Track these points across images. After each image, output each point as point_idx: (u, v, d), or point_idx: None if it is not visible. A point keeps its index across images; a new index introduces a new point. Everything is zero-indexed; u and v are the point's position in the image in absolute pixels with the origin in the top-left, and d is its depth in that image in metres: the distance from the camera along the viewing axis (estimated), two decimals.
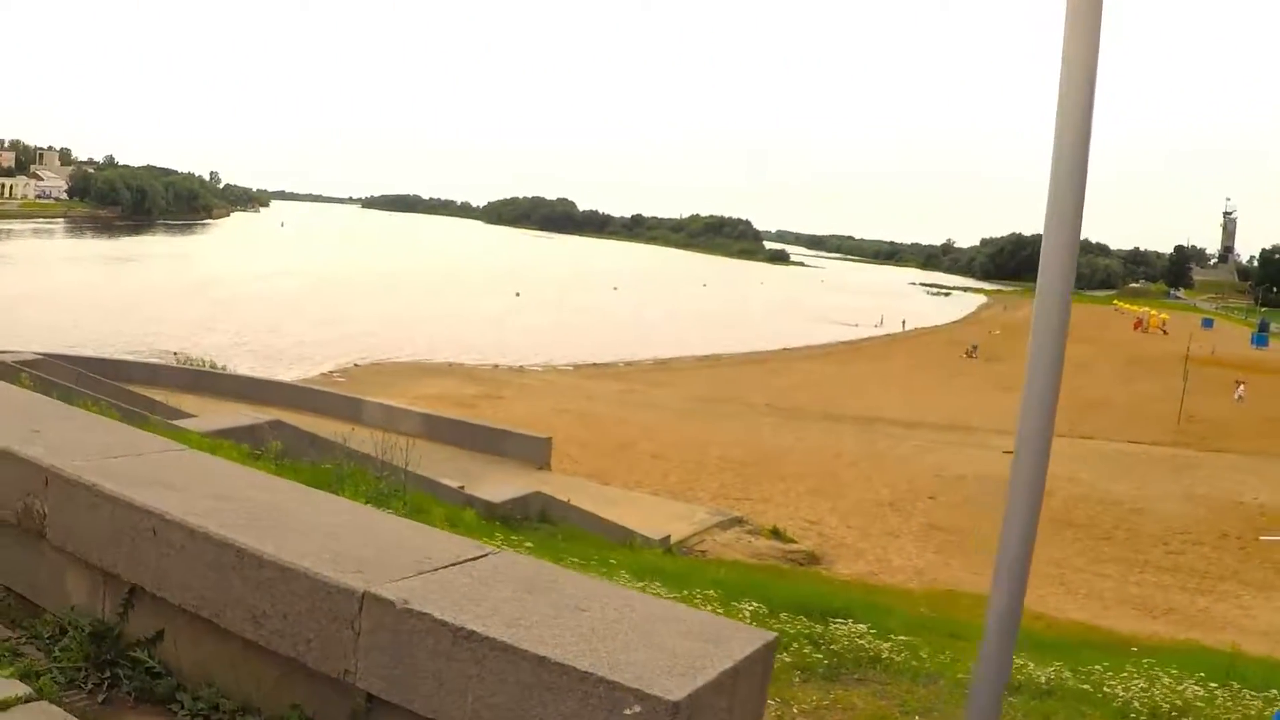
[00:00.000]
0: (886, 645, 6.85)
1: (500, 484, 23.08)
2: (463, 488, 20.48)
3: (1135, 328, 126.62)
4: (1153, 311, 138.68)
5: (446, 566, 3.61)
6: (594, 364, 72.09)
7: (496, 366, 65.82)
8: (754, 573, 18.31)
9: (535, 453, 30.47)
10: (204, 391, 30.56)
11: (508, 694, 3.05)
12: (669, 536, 24.45)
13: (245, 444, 14.14)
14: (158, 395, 25.30)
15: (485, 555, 3.80)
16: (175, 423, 17.45)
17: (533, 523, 19.30)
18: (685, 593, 7.89)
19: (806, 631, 7.02)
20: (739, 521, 28.95)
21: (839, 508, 34.18)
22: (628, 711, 2.90)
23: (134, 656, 3.95)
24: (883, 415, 55.39)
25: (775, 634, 3.60)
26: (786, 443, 44.79)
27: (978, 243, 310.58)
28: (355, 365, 59.56)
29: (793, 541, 28.51)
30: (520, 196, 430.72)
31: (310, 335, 68.37)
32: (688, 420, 49.24)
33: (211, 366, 38.26)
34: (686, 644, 3.22)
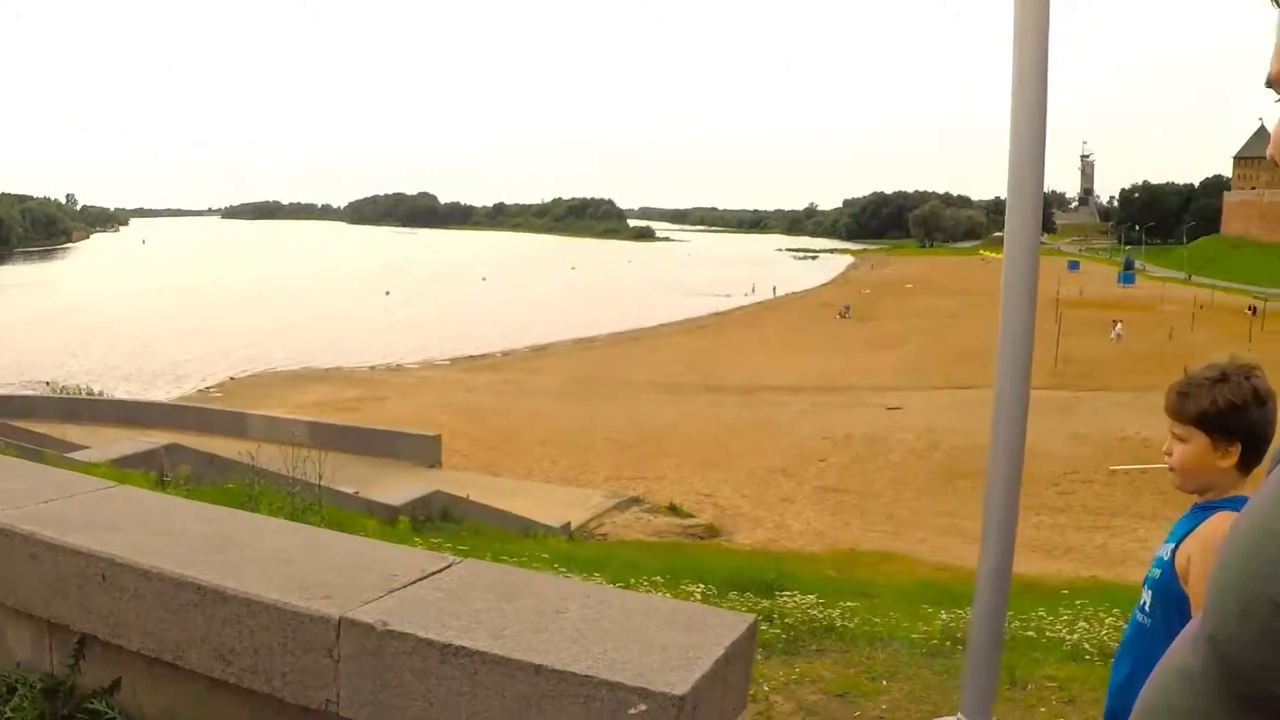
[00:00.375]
0: (836, 613, 6.89)
1: (396, 486, 22.91)
2: (357, 493, 20.25)
3: None
4: None
5: (415, 582, 3.51)
6: (471, 356, 71.74)
7: (374, 368, 65.21)
8: (669, 552, 18.37)
9: (425, 451, 30.34)
10: (83, 420, 29.89)
11: (505, 707, 2.97)
12: (569, 523, 24.50)
13: (151, 471, 13.80)
14: (39, 428, 24.68)
15: (449, 566, 3.71)
16: (71, 455, 16.97)
17: (435, 522, 19.15)
18: (632, 581, 7.88)
19: (756, 607, 7.04)
20: (635, 501, 29.09)
21: (732, 478, 34.44)
22: (633, 711, 2.84)
23: (92, 708, 3.79)
24: (764, 383, 55.87)
25: (754, 616, 3.57)
26: (671, 418, 44.98)
27: (840, 204, 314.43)
28: (231, 379, 58.59)
29: (691, 516, 28.70)
30: (381, 194, 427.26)
31: (182, 352, 67.08)
32: (570, 404, 49.26)
33: (88, 393, 37.43)
34: (674, 635, 3.18)
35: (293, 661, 3.29)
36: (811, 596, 7.19)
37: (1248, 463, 2.94)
